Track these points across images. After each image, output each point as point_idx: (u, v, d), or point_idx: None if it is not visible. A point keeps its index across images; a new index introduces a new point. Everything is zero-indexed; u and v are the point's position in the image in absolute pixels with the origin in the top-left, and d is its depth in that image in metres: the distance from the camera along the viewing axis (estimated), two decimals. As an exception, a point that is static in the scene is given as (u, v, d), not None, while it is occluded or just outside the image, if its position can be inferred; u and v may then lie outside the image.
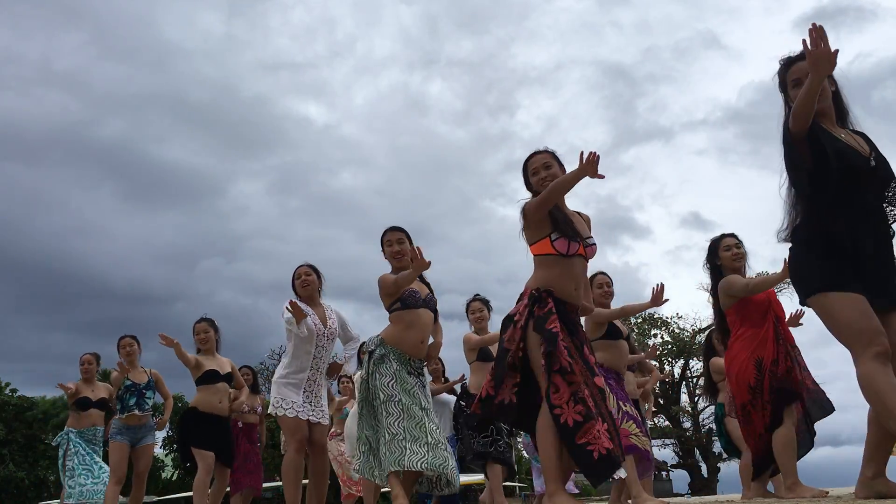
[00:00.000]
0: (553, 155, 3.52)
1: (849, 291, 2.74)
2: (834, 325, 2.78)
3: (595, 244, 3.43)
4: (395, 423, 3.87)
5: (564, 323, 3.16)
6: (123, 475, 6.46)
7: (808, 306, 2.93)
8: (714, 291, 4.56)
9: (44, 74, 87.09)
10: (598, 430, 2.94)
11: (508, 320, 3.27)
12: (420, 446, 3.78)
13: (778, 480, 4.59)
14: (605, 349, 4.85)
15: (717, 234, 4.66)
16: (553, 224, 3.27)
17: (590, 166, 3.05)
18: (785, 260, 3.89)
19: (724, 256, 4.50)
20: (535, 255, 3.36)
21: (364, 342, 4.29)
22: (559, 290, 3.24)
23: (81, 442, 6.96)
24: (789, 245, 3.04)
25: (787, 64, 3.09)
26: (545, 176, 3.42)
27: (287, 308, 4.78)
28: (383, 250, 4.32)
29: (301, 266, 5.15)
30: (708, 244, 4.64)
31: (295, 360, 4.90)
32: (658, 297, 4.71)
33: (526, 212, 3.33)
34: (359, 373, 4.29)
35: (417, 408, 3.93)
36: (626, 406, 4.65)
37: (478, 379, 5.79)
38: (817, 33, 2.61)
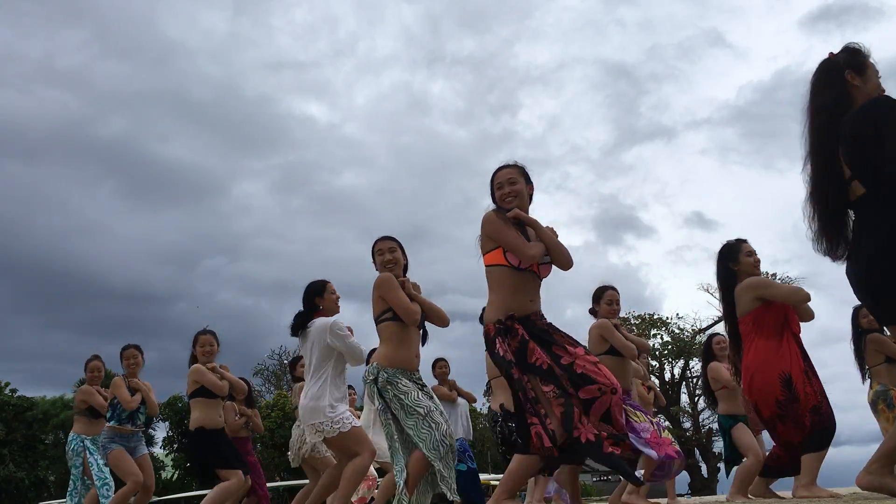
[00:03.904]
0: (521, 170, 3.49)
1: None
2: None
3: (550, 263, 3.37)
4: (441, 433, 3.73)
5: (539, 340, 3.15)
6: (141, 478, 6.30)
7: None
8: (726, 296, 4.44)
9: (45, 72, 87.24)
10: (582, 419, 2.99)
11: (501, 362, 3.20)
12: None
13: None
14: (609, 364, 4.80)
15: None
16: None
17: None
18: None
19: (745, 262, 4.42)
20: (486, 266, 3.34)
21: (364, 373, 4.09)
22: (518, 308, 3.22)
23: (94, 449, 6.69)
24: (849, 261, 2.76)
25: (857, 51, 2.87)
26: (508, 192, 3.40)
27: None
28: (374, 259, 4.21)
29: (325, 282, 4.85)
30: (722, 247, 4.55)
31: (338, 379, 4.59)
32: None
33: (486, 227, 3.32)
34: (373, 406, 4.12)
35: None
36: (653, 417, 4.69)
37: (500, 395, 5.82)
38: None
